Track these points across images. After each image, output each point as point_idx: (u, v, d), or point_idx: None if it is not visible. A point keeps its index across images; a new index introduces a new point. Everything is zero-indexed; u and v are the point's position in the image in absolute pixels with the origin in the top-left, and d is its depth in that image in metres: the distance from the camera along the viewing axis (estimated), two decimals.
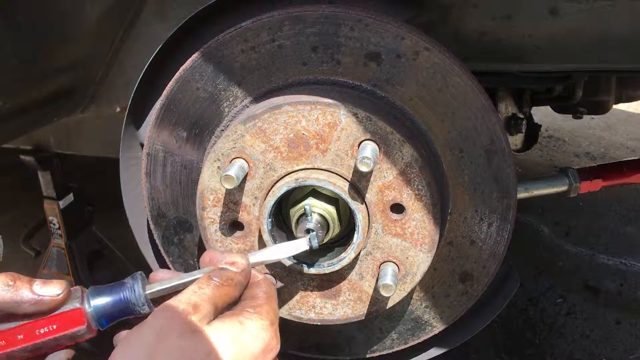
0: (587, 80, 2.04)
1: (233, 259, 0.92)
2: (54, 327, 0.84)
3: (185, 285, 0.89)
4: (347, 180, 1.08)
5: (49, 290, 0.84)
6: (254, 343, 0.81)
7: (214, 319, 0.82)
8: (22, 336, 0.82)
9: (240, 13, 1.19)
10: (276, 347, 0.85)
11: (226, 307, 0.86)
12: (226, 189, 1.12)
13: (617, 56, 1.25)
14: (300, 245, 1.03)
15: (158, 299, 0.89)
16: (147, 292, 0.88)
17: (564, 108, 2.46)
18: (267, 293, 0.90)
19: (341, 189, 1.07)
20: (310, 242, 1.04)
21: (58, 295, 0.84)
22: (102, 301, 0.86)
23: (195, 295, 0.83)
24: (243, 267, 0.91)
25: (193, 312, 0.79)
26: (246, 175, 1.10)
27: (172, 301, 0.82)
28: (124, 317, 0.89)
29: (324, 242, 1.12)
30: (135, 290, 0.87)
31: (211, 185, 1.13)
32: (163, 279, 0.92)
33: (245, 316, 0.83)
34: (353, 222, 1.10)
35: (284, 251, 1.03)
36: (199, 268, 0.96)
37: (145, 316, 0.85)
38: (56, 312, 0.84)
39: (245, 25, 1.12)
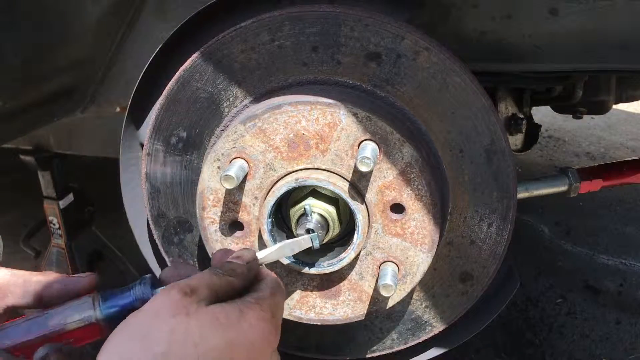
0: (587, 80, 2.04)
1: (239, 254, 0.92)
2: (71, 340, 0.86)
3: None
4: (347, 180, 1.08)
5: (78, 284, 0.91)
6: (252, 332, 0.79)
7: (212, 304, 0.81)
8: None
9: (240, 13, 1.19)
10: (275, 342, 0.84)
11: (228, 297, 0.85)
12: (226, 189, 1.12)
13: (617, 56, 1.25)
14: (303, 243, 1.05)
15: None
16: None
17: (564, 108, 2.46)
18: (271, 288, 0.89)
19: (341, 189, 1.07)
20: (312, 240, 1.05)
21: (85, 287, 0.90)
22: (113, 307, 0.87)
23: (194, 280, 0.82)
24: (248, 259, 0.90)
25: (190, 295, 0.78)
26: (246, 175, 1.10)
27: (171, 285, 0.81)
28: None
29: (324, 242, 1.12)
30: (145, 295, 0.88)
31: (211, 185, 1.13)
32: (172, 276, 0.92)
33: (245, 305, 0.82)
34: (353, 222, 1.10)
35: (289, 249, 1.04)
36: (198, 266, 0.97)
37: None
38: (72, 329, 0.86)
39: (245, 25, 1.12)
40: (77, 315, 0.86)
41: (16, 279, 0.91)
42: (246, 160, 1.09)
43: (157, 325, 0.75)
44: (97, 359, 0.74)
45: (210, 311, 0.78)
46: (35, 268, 2.55)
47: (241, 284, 0.87)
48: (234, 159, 1.10)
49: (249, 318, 0.80)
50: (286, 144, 1.08)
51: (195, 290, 0.80)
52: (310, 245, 1.06)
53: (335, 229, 1.13)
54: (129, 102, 1.26)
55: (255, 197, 1.12)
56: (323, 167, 1.08)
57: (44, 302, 0.90)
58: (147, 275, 0.91)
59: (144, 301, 0.86)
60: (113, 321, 0.86)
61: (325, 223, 1.11)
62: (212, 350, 0.75)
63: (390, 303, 1.17)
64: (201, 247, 1.27)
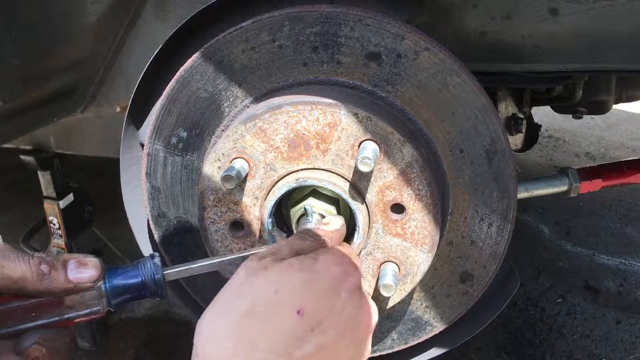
0: (587, 80, 2.04)
1: (328, 220, 0.97)
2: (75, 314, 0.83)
3: (205, 268, 0.93)
4: (348, 181, 1.08)
5: (85, 275, 0.83)
6: (326, 271, 0.85)
7: None
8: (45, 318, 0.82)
9: (241, 13, 1.19)
10: (354, 272, 0.89)
11: None
12: (227, 189, 1.12)
13: (617, 56, 1.25)
14: None
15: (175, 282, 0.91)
16: (167, 274, 0.89)
17: (564, 108, 2.46)
18: (344, 247, 0.95)
19: (341, 189, 1.07)
20: None
21: (94, 281, 0.83)
22: (119, 285, 0.85)
23: (280, 243, 0.89)
24: (337, 227, 0.95)
25: (269, 255, 0.86)
26: (246, 176, 1.10)
27: (254, 254, 0.88)
28: (137, 300, 0.89)
29: None
30: (155, 275, 0.87)
31: (211, 185, 1.13)
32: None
33: (319, 253, 0.88)
34: (353, 222, 1.10)
35: None
36: None
37: (160, 297, 0.89)
38: (76, 320, 0.83)
39: (245, 25, 1.12)
40: (87, 309, 0.83)
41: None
42: (247, 161, 1.09)
43: (239, 288, 0.81)
44: (194, 338, 0.78)
45: (285, 262, 0.85)
46: None
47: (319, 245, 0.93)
48: (235, 159, 1.10)
49: (321, 260, 0.86)
50: (286, 144, 1.08)
51: (275, 251, 0.86)
52: None
53: None
54: (129, 102, 1.26)
55: (256, 197, 1.12)
56: (323, 167, 1.08)
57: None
58: (157, 256, 0.90)
59: (152, 284, 0.87)
60: (117, 298, 0.85)
61: None
62: (292, 292, 0.81)
63: (391, 303, 1.17)
64: (201, 247, 1.27)
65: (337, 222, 0.99)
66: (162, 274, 0.88)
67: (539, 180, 1.45)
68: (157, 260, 0.89)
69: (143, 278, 0.87)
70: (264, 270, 0.83)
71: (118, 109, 1.64)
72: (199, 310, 1.04)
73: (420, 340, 1.32)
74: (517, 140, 2.30)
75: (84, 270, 0.83)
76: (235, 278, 0.84)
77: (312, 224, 1.04)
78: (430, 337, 1.31)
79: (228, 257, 0.95)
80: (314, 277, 0.83)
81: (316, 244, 0.91)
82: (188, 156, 1.23)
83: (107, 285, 0.84)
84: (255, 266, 0.84)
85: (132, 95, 1.25)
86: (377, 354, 1.35)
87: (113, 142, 1.55)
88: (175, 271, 0.90)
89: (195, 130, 1.21)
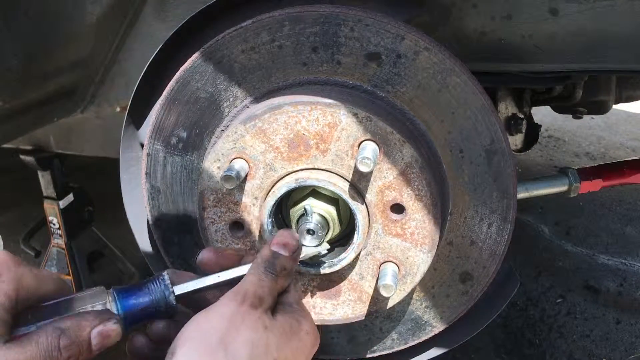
0: (587, 80, 2.04)
1: (284, 240, 0.99)
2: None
3: (215, 286, 0.94)
4: (347, 181, 1.08)
5: (109, 340, 0.83)
6: (308, 338, 0.95)
7: (273, 310, 0.93)
8: None
9: (241, 13, 1.19)
10: (318, 340, 0.98)
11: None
12: (226, 189, 1.12)
13: (617, 56, 1.25)
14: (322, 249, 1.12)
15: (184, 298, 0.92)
16: (177, 293, 0.90)
17: (564, 108, 2.45)
18: (296, 286, 1.03)
19: (341, 189, 1.07)
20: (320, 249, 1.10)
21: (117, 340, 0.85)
22: (131, 307, 0.86)
23: (259, 287, 0.91)
24: (293, 250, 0.98)
25: (259, 305, 0.89)
26: (246, 176, 1.10)
27: (239, 291, 0.89)
28: (149, 320, 0.90)
29: (325, 242, 1.12)
30: (165, 294, 0.89)
31: (211, 185, 1.13)
32: (211, 264, 1.00)
33: (300, 315, 0.96)
34: (353, 222, 1.10)
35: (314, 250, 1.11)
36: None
37: (171, 316, 0.90)
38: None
39: (245, 25, 1.12)
40: (96, 304, 0.83)
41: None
42: (246, 161, 1.09)
43: (237, 339, 0.84)
44: None
45: (280, 324, 0.91)
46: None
47: (290, 282, 0.99)
48: (234, 159, 1.10)
49: (304, 327, 0.94)
50: (286, 144, 1.08)
51: (262, 300, 0.90)
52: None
53: (335, 229, 1.13)
54: (129, 102, 1.26)
55: (256, 197, 1.12)
56: (323, 167, 1.08)
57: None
58: (165, 273, 0.91)
59: (163, 303, 0.88)
60: (130, 321, 0.85)
61: (325, 223, 1.11)
62: (278, 351, 0.87)
63: (391, 303, 1.17)
64: (201, 247, 1.27)
65: (292, 244, 1.01)
66: (173, 294, 0.90)
67: (539, 180, 1.45)
68: (166, 278, 0.90)
69: (154, 299, 0.88)
70: (263, 329, 0.87)
71: (118, 109, 1.64)
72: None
73: (420, 340, 1.32)
74: (517, 140, 2.29)
75: (107, 337, 0.83)
76: (217, 323, 0.84)
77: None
78: (430, 337, 1.31)
79: (237, 274, 0.95)
80: (300, 347, 0.92)
81: (287, 280, 0.97)
82: (188, 156, 1.23)
83: (119, 312, 0.85)
84: (248, 319, 0.86)
85: (132, 95, 1.25)
86: (377, 354, 1.35)
87: (113, 142, 1.55)
88: (185, 292, 0.92)
89: (195, 130, 1.21)
